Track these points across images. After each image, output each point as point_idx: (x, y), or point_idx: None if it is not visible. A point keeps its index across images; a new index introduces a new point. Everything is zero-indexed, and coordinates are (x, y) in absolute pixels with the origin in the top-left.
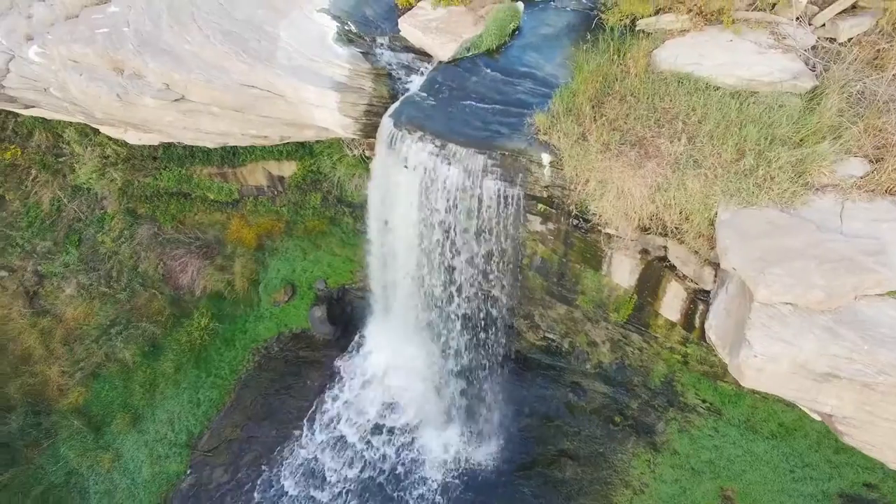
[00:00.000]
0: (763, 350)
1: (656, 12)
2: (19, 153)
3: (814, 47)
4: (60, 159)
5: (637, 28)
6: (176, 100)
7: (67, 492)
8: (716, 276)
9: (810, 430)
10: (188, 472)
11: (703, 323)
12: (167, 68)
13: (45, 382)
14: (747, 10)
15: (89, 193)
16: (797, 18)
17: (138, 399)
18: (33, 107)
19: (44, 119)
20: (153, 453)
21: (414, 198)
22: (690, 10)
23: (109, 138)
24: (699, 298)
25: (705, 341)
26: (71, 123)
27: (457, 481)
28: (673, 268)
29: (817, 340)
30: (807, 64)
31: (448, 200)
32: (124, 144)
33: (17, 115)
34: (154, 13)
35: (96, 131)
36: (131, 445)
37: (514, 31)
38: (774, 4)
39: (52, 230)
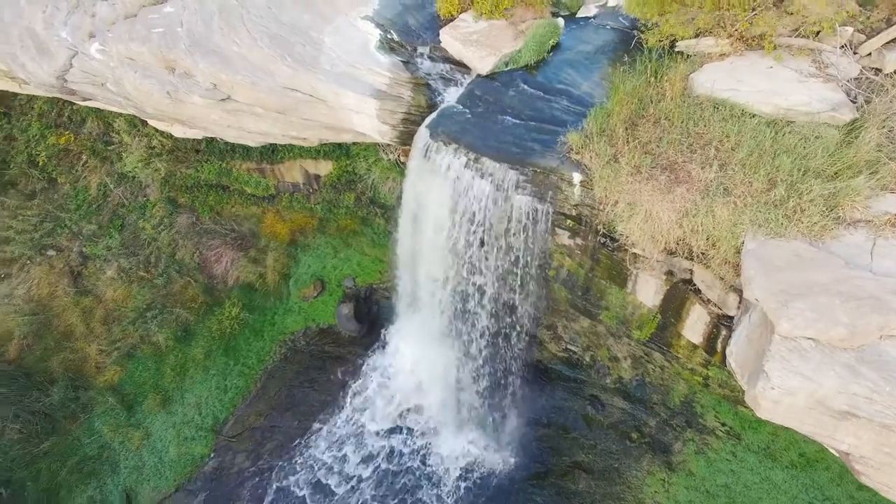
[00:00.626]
0: (780, 383)
1: (696, 35)
2: (72, 139)
3: (857, 78)
4: (109, 147)
5: (676, 49)
6: (222, 99)
7: (101, 464)
8: (740, 302)
9: (832, 463)
10: (212, 455)
11: (724, 348)
12: (216, 69)
13: (84, 359)
14: (790, 36)
15: (134, 181)
16: (842, 47)
17: (169, 381)
18: (90, 100)
19: (97, 108)
20: (180, 435)
21: (445, 207)
22: (731, 35)
23: (156, 130)
24: (722, 323)
25: (726, 366)
26: (121, 114)
27: (470, 485)
28: (698, 291)
29: (837, 378)
30: (848, 95)
31: (479, 212)
32: (170, 137)
33: (72, 103)
34: (206, 14)
35: (144, 123)
36: (160, 425)
37: (552, 47)
38: (819, 32)
39: (97, 214)
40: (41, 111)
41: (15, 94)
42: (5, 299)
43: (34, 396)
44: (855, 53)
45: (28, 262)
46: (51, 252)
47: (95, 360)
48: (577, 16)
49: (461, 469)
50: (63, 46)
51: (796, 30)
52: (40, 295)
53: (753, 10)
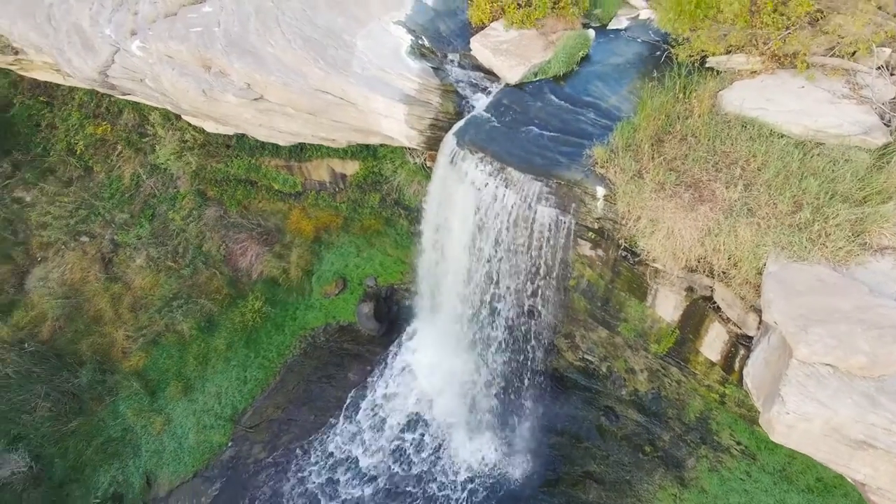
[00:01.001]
0: (796, 408)
1: (727, 51)
2: (109, 129)
3: (893, 100)
4: (144, 139)
5: (706, 65)
6: (255, 99)
7: (123, 446)
8: (760, 323)
9: (851, 491)
10: (229, 444)
11: (742, 368)
12: (250, 69)
13: (111, 344)
14: (824, 55)
15: (165, 173)
16: (878, 68)
17: (191, 370)
18: (129, 94)
19: (134, 101)
20: (200, 422)
21: (470, 214)
22: (763, 53)
23: (189, 124)
24: (741, 343)
25: (743, 386)
26: (156, 108)
27: (481, 489)
28: (717, 309)
29: (855, 406)
30: (882, 118)
31: (502, 220)
32: (202, 131)
33: (111, 95)
34: (243, 15)
35: (178, 117)
36: (181, 412)
37: (582, 58)
38: (854, 52)
39: (129, 203)
40: (81, 101)
41: (58, 85)
42: (41, 282)
43: (64, 377)
44: (892, 75)
45: (63, 247)
46: (84, 238)
47: (122, 345)
48: (607, 28)
49: (472, 471)
50: (106, 43)
51: (831, 49)
52: (73, 279)
53: (787, 28)
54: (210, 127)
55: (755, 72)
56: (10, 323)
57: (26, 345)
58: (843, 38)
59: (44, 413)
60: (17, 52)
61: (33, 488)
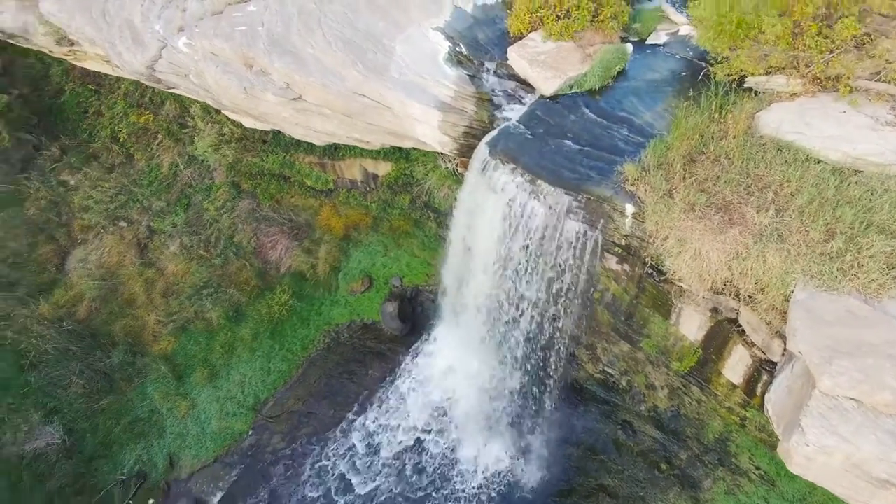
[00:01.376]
0: (816, 440)
1: (767, 72)
2: (151, 119)
3: None
4: (184, 130)
5: (745, 85)
6: (294, 98)
7: (149, 427)
8: (785, 349)
9: None
10: (250, 432)
11: (764, 393)
12: (290, 69)
13: (143, 327)
14: (869, 80)
15: (202, 164)
16: None
17: (217, 358)
18: (173, 89)
19: (176, 93)
20: (223, 409)
21: (498, 223)
22: (804, 76)
23: (228, 119)
24: (764, 368)
25: (765, 411)
26: (197, 101)
27: (493, 494)
28: (742, 332)
29: (879, 444)
30: None
31: (530, 231)
32: (239, 126)
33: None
34: (286, 16)
35: (217, 111)
36: (205, 398)
37: (618, 73)
38: None
39: (167, 192)
40: (126, 91)
41: (105, 74)
42: (80, 263)
43: (97, 356)
44: None
45: (102, 230)
46: (122, 223)
47: (153, 329)
48: (646, 42)
49: (485, 476)
50: (155, 39)
51: (877, 73)
52: (110, 262)
53: (831, 51)
54: (248, 122)
55: (795, 94)
56: (51, 301)
57: (64, 323)
58: (890, 62)
59: (77, 389)
60: (72, 44)
61: (66, 460)
